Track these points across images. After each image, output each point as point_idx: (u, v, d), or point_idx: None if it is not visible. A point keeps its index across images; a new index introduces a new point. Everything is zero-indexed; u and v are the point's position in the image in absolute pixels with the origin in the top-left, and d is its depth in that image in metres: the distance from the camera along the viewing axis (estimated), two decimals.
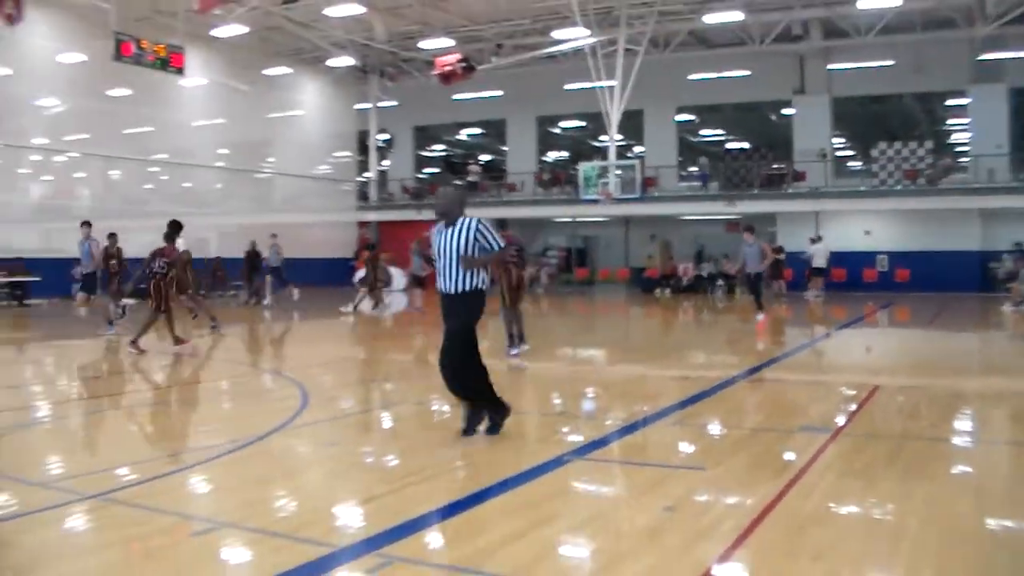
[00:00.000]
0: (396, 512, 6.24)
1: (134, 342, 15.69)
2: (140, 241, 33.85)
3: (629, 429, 9.42)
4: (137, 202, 38.17)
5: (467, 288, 8.44)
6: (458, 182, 45.80)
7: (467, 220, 8.59)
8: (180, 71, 31.59)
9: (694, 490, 6.88)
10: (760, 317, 21.26)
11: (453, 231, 8.52)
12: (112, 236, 20.72)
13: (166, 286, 16.18)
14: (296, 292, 30.04)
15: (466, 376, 8.50)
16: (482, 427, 8.67)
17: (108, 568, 5.33)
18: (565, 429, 9.69)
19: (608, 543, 5.69)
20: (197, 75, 34.86)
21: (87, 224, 20.42)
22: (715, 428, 9.64)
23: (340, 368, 15.44)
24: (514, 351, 14.95)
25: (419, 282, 22.42)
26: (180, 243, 17.97)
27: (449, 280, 8.47)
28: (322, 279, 38.72)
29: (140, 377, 14.02)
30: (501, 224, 15.74)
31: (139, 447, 9.09)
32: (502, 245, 8.63)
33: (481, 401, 8.63)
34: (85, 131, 34.68)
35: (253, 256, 31.04)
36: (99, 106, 33.47)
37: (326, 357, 16.93)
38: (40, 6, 29.91)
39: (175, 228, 17.71)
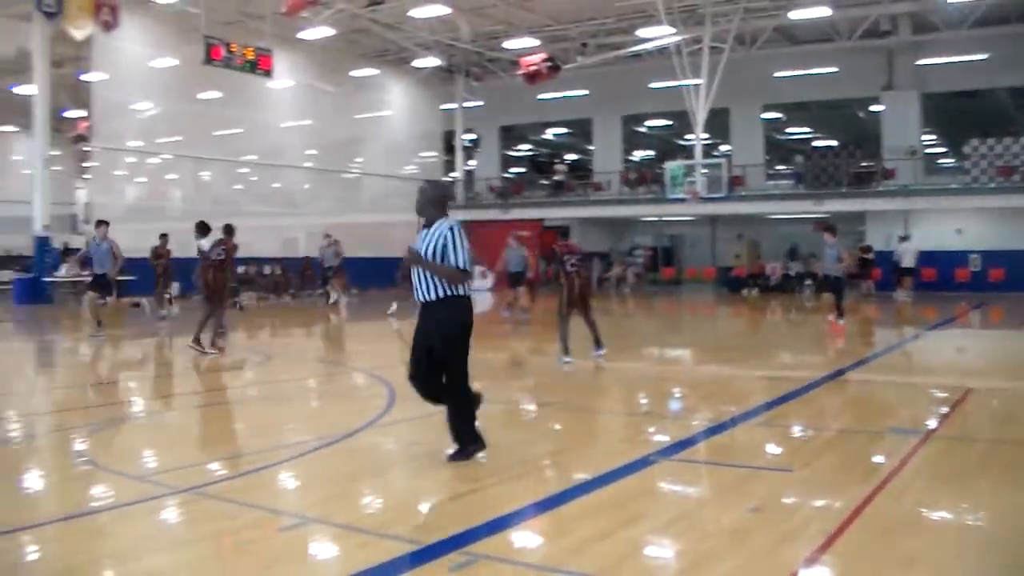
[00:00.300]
0: (481, 510, 6.31)
1: (214, 342, 15.73)
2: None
3: (716, 429, 9.36)
4: (227, 203, 38.74)
5: (439, 296, 7.55)
6: (546, 179, 46.00)
7: (442, 224, 7.67)
8: (268, 73, 32.14)
9: (781, 491, 6.83)
10: (836, 320, 19.93)
11: (427, 233, 7.68)
12: (163, 236, 20.93)
13: (221, 279, 15.97)
14: (333, 295, 29.77)
15: (448, 400, 7.74)
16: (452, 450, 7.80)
17: (200, 561, 5.46)
18: (651, 429, 9.68)
19: (693, 543, 5.68)
20: (285, 77, 35.37)
21: (104, 223, 19.85)
22: (802, 429, 9.55)
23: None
24: (597, 352, 14.70)
25: (517, 280, 22.08)
26: (204, 243, 17.77)
27: (420, 287, 7.63)
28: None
29: (230, 375, 14.25)
30: (563, 233, 15.58)
31: (230, 443, 9.27)
32: (462, 265, 7.50)
33: (456, 431, 7.71)
34: (177, 133, 35.37)
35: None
36: (190, 109, 34.09)
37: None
38: (134, 13, 30.61)
39: (203, 230, 17.39)
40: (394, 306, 24.36)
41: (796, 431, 9.47)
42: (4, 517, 6.28)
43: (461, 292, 7.59)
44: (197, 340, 15.53)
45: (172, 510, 6.50)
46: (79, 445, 8.77)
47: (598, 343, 14.75)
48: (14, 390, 13.13)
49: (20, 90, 38.35)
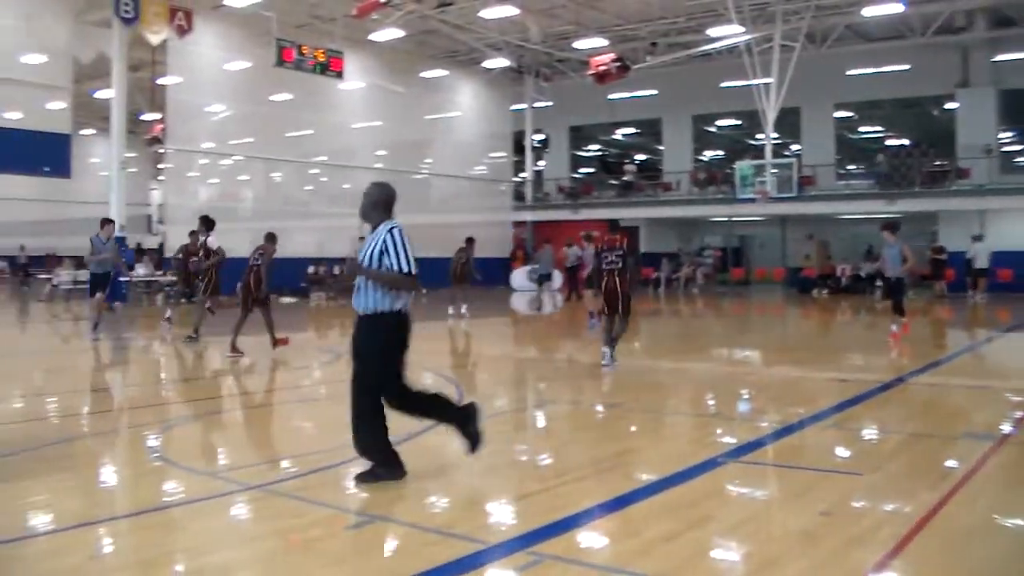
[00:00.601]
0: (548, 510, 6.31)
1: (275, 342, 15.96)
2: (301, 241, 34.91)
3: (784, 432, 9.31)
4: (298, 203, 39.27)
5: (371, 308, 7.00)
6: (615, 179, 45.90)
7: (382, 227, 7.14)
8: (339, 75, 32.51)
9: (850, 495, 6.78)
10: (894, 328, 17.69)
11: (369, 238, 7.22)
12: (193, 234, 20.96)
13: (256, 282, 15.87)
14: None
15: (358, 424, 7.10)
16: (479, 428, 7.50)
17: (268, 557, 5.55)
18: (719, 430, 9.64)
19: (761, 546, 5.66)
20: (355, 78, 35.69)
21: (110, 222, 19.52)
22: (873, 432, 9.46)
23: (496, 367, 15.61)
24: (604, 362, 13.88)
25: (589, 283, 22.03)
26: (212, 240, 17.63)
27: (357, 296, 7.10)
28: (481, 278, 39.13)
29: (299, 373, 14.40)
30: (612, 226, 14.78)
31: (298, 441, 9.38)
32: (406, 268, 6.92)
33: (369, 458, 7.11)
34: (249, 135, 35.82)
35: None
36: (262, 110, 34.53)
37: (483, 356, 17.13)
38: (208, 18, 31.13)
39: (207, 224, 17.91)
40: (463, 308, 24.42)
41: (866, 434, 9.38)
42: (81, 511, 6.44)
43: (398, 308, 7.00)
44: (274, 342, 15.89)
45: (242, 506, 6.62)
46: (152, 442, 8.92)
47: (611, 344, 14.04)
48: (91, 387, 13.41)
49: (99, 94, 39.11)
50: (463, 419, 7.50)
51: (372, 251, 7.02)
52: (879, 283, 33.47)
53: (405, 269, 6.91)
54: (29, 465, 7.79)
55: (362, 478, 6.99)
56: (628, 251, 13.96)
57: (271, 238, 16.26)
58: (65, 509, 6.50)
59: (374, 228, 7.17)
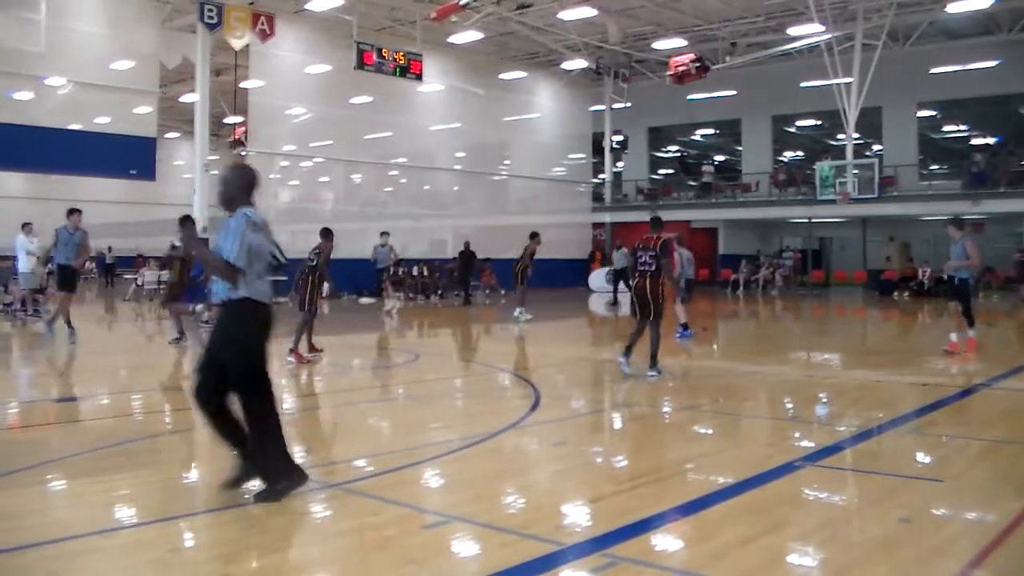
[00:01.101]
0: (623, 512, 6.32)
1: (293, 350, 14.93)
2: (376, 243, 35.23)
3: (863, 436, 9.21)
4: (377, 205, 39.64)
5: (232, 297, 6.54)
6: (694, 180, 45.64)
7: (239, 212, 6.61)
8: (418, 77, 32.76)
9: (930, 502, 6.69)
10: (953, 337, 15.98)
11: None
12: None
13: (315, 283, 15.26)
14: (389, 302, 27.75)
15: (247, 422, 6.64)
16: (254, 484, 6.72)
17: (345, 554, 5.63)
18: (797, 434, 9.57)
19: (838, 553, 5.60)
20: (434, 81, 35.95)
21: (77, 212, 18.00)
22: (954, 438, 9.31)
23: (573, 368, 15.61)
24: (650, 373, 12.85)
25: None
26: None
27: (215, 283, 6.72)
28: (557, 280, 39.14)
29: (377, 373, 14.53)
30: (654, 223, 13.42)
31: (376, 441, 9.46)
32: (230, 258, 6.41)
33: (257, 459, 6.65)
34: (329, 137, 36.24)
35: (468, 256, 31.62)
36: (342, 113, 34.94)
37: (559, 357, 17.15)
38: (289, 22, 31.57)
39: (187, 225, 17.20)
40: (523, 313, 23.34)
41: (947, 440, 9.22)
42: (161, 505, 6.58)
43: (256, 296, 6.55)
44: (294, 350, 14.98)
45: (319, 504, 6.69)
46: None
47: (628, 352, 13.08)
48: (172, 385, 13.64)
49: (183, 98, 39.84)
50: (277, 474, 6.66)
51: (221, 239, 6.57)
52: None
53: (230, 257, 6.40)
54: (115, 460, 7.97)
55: (262, 496, 6.51)
56: (663, 252, 12.87)
57: (327, 234, 15.59)
58: (148, 503, 6.65)
59: (233, 213, 6.64)
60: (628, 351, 13.03)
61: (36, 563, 5.34)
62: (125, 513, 6.46)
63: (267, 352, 6.72)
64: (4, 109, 28.69)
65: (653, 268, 12.77)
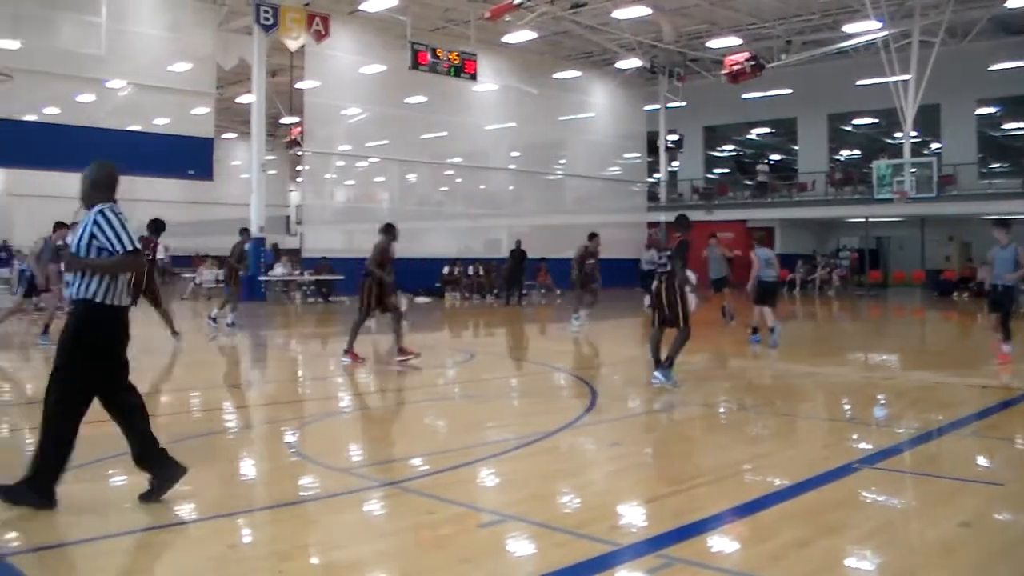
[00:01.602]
0: (679, 513, 6.30)
1: (348, 351, 14.41)
2: (436, 242, 35.36)
3: (922, 438, 9.11)
4: (432, 204, 39.81)
5: (76, 297, 6.28)
6: (750, 180, 45.39)
7: (94, 210, 6.35)
8: (473, 77, 32.86)
9: (991, 507, 6.60)
10: (1005, 349, 14.80)
11: (80, 224, 6.47)
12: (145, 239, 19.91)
13: (373, 286, 14.46)
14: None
15: (45, 428, 6.25)
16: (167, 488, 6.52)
17: (400, 552, 5.65)
18: (855, 436, 9.48)
19: (897, 557, 5.53)
20: (489, 81, 36.05)
21: (64, 226, 17.27)
22: (1017, 441, 9.19)
23: (629, 368, 15.57)
24: (655, 377, 11.99)
25: (718, 285, 20.67)
26: (161, 248, 16.81)
27: (69, 288, 6.41)
28: (612, 280, 39.06)
29: (433, 372, 14.57)
30: (676, 221, 12.53)
31: (432, 440, 9.50)
32: (127, 246, 6.21)
33: (36, 468, 6.18)
34: (384, 137, 36.48)
35: (519, 256, 31.59)
36: (397, 113, 35.15)
37: (616, 357, 17.12)
38: (344, 23, 31.81)
39: (156, 227, 16.88)
40: (577, 318, 22.04)
41: (1009, 443, 9.10)
42: (220, 502, 6.66)
43: (110, 300, 6.27)
44: (349, 350, 14.46)
45: (375, 502, 6.74)
46: (289, 437, 9.15)
47: (668, 362, 11.98)
48: (231, 383, 13.79)
49: (240, 99, 40.25)
50: (159, 468, 6.54)
51: (82, 240, 6.28)
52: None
53: (127, 247, 6.20)
54: (175, 456, 8.05)
55: (8, 494, 6.14)
56: (677, 253, 11.91)
57: (388, 231, 14.68)
58: (208, 500, 6.73)
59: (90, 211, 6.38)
60: (658, 363, 12.03)
61: (100, 556, 5.42)
62: (184, 509, 6.53)
63: (107, 362, 6.43)
64: (67, 111, 29.20)
65: (668, 269, 11.92)
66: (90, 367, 6.25)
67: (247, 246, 20.44)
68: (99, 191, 6.49)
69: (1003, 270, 14.63)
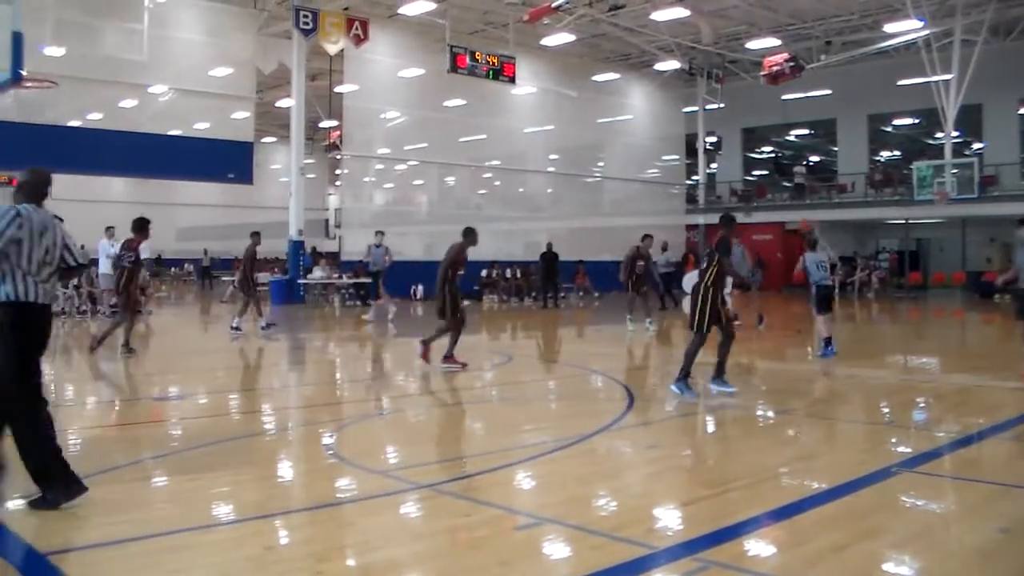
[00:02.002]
0: (716, 517, 6.29)
1: (448, 356, 14.03)
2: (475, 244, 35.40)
3: (962, 442, 9.03)
4: (471, 207, 39.89)
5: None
6: (787, 183, 45.15)
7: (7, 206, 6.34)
8: (511, 80, 32.89)
9: None
10: None
11: None
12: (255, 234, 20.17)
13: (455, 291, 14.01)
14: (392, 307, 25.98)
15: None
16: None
17: (437, 554, 5.67)
18: (893, 439, 9.43)
19: (935, 562, 5.51)
20: (527, 83, 36.07)
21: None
22: None
23: (666, 371, 15.54)
24: (714, 385, 11.57)
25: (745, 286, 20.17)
26: (143, 246, 16.08)
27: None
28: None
29: (470, 376, 14.61)
30: (726, 220, 11.94)
31: (469, 442, 9.55)
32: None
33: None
34: (423, 140, 36.59)
35: (550, 258, 31.50)
36: (436, 116, 35.28)
37: (653, 360, 17.10)
38: (383, 27, 31.96)
39: (139, 226, 15.99)
40: (632, 322, 21.48)
41: None
42: (259, 503, 6.74)
43: (14, 299, 6.21)
44: (449, 356, 14.08)
45: (411, 504, 6.78)
46: (327, 439, 9.20)
47: (719, 372, 11.49)
48: (270, 386, 13.89)
49: (280, 103, 40.53)
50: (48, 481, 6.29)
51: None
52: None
53: None
54: (213, 459, 8.14)
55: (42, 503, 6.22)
56: (720, 249, 11.24)
57: (468, 233, 14.18)
58: (245, 501, 6.81)
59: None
60: (720, 371, 11.45)
61: (136, 557, 5.48)
62: (222, 510, 6.61)
63: (31, 361, 6.37)
64: (110, 116, 29.54)
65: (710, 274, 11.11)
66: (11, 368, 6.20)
67: (258, 248, 20.18)
68: (21, 192, 6.52)
69: None
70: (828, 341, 15.59)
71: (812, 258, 15.56)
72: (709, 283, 11.15)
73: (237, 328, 19.51)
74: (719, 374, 11.51)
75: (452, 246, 14.07)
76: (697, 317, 11.17)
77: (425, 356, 13.97)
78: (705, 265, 11.35)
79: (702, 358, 11.52)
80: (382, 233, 27.24)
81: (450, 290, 13.91)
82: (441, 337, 14.24)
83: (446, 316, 13.99)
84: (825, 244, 16.95)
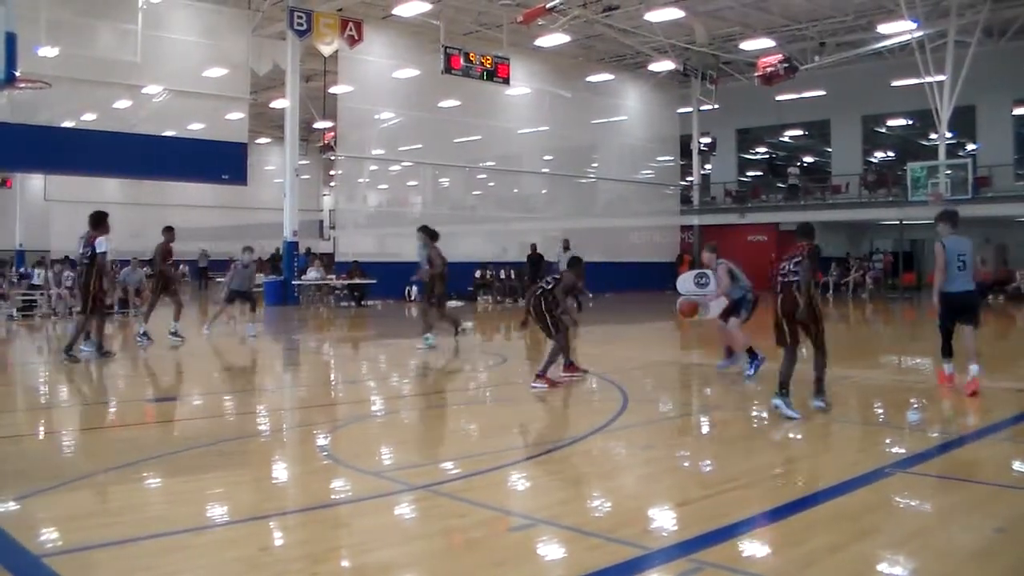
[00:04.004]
0: (710, 517, 6.29)
1: (569, 365, 13.36)
2: (469, 245, 35.37)
3: (956, 443, 9.07)
4: (465, 208, 39.90)
5: None
6: (782, 182, 45.21)
7: None
8: (506, 81, 32.96)
9: None
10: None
11: None
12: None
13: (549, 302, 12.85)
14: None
15: None
16: None
17: (431, 556, 5.68)
18: (887, 440, 9.45)
19: (930, 563, 5.52)
20: (522, 84, 36.11)
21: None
22: None
23: (660, 372, 15.56)
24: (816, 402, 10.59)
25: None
26: (100, 241, 14.88)
27: None
28: (644, 283, 39.05)
29: (465, 376, 14.61)
30: (805, 231, 10.90)
31: (463, 443, 9.54)
32: None
33: None
34: (417, 141, 36.59)
35: (535, 260, 31.41)
36: (430, 117, 35.28)
37: (647, 360, 17.08)
38: (377, 28, 31.98)
39: (98, 220, 15.09)
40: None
41: None
42: (252, 504, 6.73)
43: None
44: (571, 366, 13.40)
45: (406, 506, 6.80)
46: (321, 441, 9.21)
47: (784, 391, 10.21)
48: (263, 386, 13.89)
49: (274, 104, 40.51)
50: None
51: None
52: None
53: None
54: (208, 459, 8.14)
55: None
56: (811, 259, 10.39)
57: (575, 264, 13.40)
58: (240, 502, 6.81)
59: None
60: (784, 390, 10.25)
61: (132, 558, 5.48)
62: (217, 511, 6.61)
63: None
64: (104, 117, 29.53)
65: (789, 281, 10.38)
66: None
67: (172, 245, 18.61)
68: None
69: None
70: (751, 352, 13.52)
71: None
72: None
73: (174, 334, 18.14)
74: (786, 394, 10.23)
75: (564, 273, 13.12)
76: (786, 330, 10.47)
77: (549, 380, 12.55)
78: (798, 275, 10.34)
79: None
80: (250, 249, 21.90)
81: (553, 310, 12.77)
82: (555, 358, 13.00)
83: (553, 335, 12.86)
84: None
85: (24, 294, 26.21)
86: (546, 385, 12.35)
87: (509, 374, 14.96)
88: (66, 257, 30.47)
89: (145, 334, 17.85)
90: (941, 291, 12.08)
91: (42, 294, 26.06)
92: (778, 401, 10.08)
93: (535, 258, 31.38)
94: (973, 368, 11.74)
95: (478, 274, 35.43)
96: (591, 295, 33.54)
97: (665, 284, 39.56)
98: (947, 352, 12.33)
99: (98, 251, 14.84)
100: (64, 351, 14.92)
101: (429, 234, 17.27)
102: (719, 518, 6.25)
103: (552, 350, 12.83)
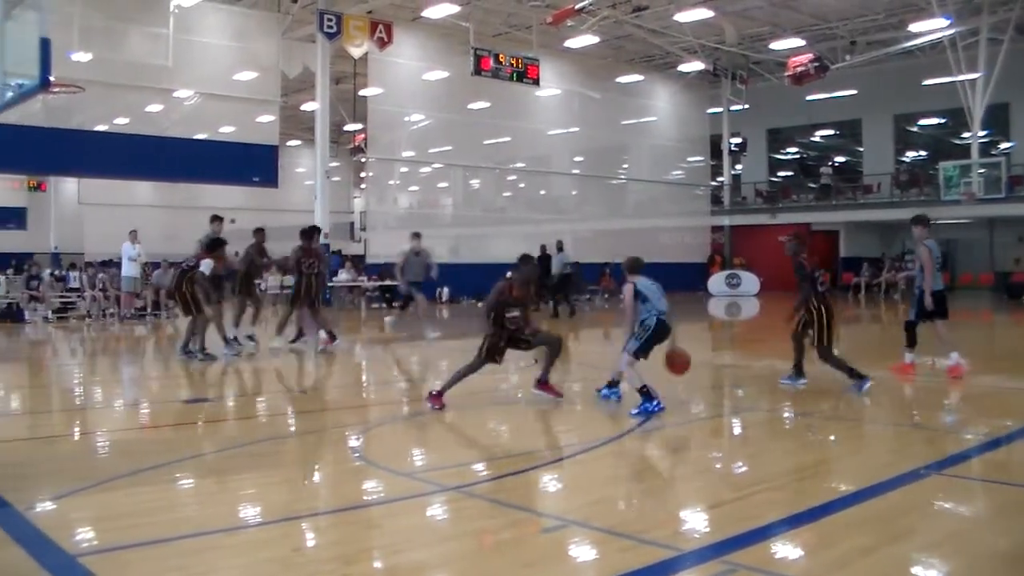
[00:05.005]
0: (743, 519, 6.26)
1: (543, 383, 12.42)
2: (499, 247, 35.39)
3: (992, 445, 8.98)
4: (495, 209, 39.92)
5: None
6: (812, 184, 45.00)
7: None
8: (535, 82, 32.91)
9: None
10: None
11: None
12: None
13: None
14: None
15: None
16: None
17: (462, 557, 5.69)
18: (921, 442, 9.37)
19: (965, 566, 5.48)
20: (551, 85, 36.03)
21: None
22: None
23: (692, 373, 15.46)
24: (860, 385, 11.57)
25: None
26: (208, 263, 15.65)
27: None
28: (674, 284, 38.92)
29: (496, 377, 14.59)
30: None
31: (496, 445, 9.57)
32: None
33: None
34: (447, 143, 36.67)
35: (546, 260, 30.93)
36: (460, 119, 35.30)
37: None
38: (407, 30, 32.03)
39: (213, 245, 15.94)
40: None
41: None
42: (285, 505, 6.76)
43: None
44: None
45: (438, 507, 6.80)
46: (353, 442, 9.24)
47: (855, 374, 11.59)
48: (293, 388, 13.94)
49: (305, 107, 40.66)
50: None
51: None
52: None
53: None
54: (241, 461, 8.19)
55: None
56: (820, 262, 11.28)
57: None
58: (273, 503, 6.83)
59: None
60: (856, 375, 11.55)
61: (164, 558, 5.52)
62: (250, 512, 6.64)
63: None
64: (136, 121, 29.71)
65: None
66: None
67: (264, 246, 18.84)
68: None
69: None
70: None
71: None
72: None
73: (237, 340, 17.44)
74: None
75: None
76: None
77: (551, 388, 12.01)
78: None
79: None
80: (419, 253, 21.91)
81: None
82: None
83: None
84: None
85: (60, 296, 26.49)
86: (547, 393, 11.86)
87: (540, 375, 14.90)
88: (101, 261, 30.77)
89: (250, 337, 17.71)
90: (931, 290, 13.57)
91: (80, 296, 26.30)
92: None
93: (544, 259, 30.80)
94: (954, 355, 13.39)
95: (508, 275, 35.31)
96: (588, 296, 33.62)
97: (696, 285, 39.46)
98: (915, 343, 13.91)
99: (198, 269, 15.67)
100: (197, 351, 15.78)
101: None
102: (751, 520, 6.22)
103: (547, 356, 12.28)
